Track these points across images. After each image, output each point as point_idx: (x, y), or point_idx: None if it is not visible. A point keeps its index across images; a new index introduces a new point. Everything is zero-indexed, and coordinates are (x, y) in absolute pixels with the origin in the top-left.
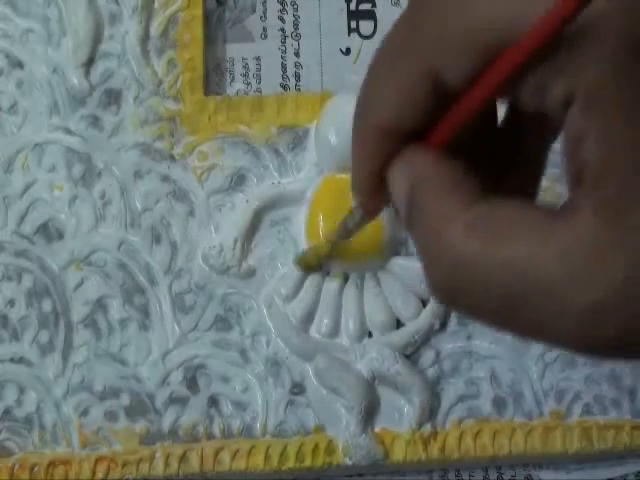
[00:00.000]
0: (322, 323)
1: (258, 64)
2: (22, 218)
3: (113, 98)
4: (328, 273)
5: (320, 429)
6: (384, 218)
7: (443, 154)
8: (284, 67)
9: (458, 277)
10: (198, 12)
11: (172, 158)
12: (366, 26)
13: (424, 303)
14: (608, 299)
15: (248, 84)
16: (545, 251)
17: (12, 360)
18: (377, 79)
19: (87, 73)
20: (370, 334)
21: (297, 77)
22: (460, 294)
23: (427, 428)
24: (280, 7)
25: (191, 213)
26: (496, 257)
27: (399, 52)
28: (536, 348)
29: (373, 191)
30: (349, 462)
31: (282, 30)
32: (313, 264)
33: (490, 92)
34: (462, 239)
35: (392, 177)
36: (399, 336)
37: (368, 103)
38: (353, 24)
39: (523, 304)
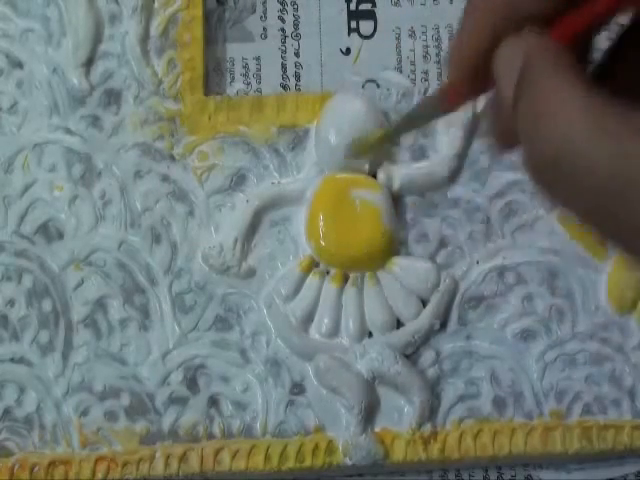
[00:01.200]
0: (322, 323)
1: (258, 64)
2: (22, 218)
3: (113, 98)
4: (328, 272)
5: (320, 429)
6: (384, 218)
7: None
8: (284, 67)
9: (563, 158)
10: (198, 12)
11: (172, 158)
12: (366, 26)
13: (424, 303)
14: None
15: (248, 84)
16: None
17: (12, 360)
18: None
19: (87, 73)
20: (370, 334)
21: (297, 77)
22: (559, 177)
23: (427, 428)
24: (280, 7)
25: (191, 213)
26: (610, 148)
27: None
28: (536, 348)
29: (471, 70)
30: (349, 462)
31: (282, 30)
32: (364, 149)
33: None
34: (579, 120)
35: (502, 51)
36: (399, 336)
37: None
38: (353, 24)
39: (623, 204)
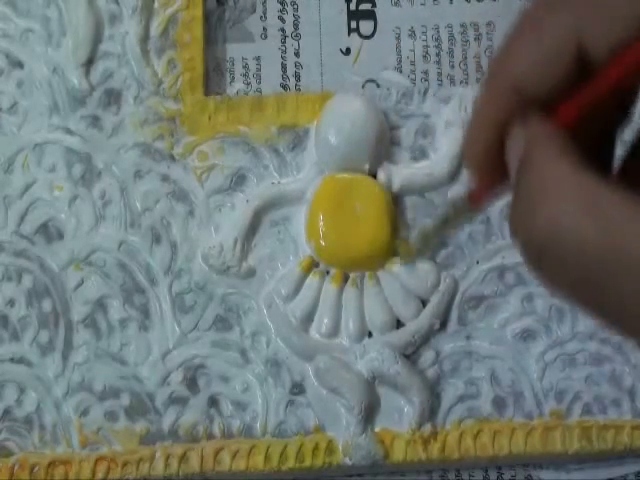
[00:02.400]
0: (322, 323)
1: (258, 64)
2: (22, 218)
3: (113, 98)
4: (328, 272)
5: (320, 429)
6: (384, 218)
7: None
8: (284, 67)
9: (553, 237)
10: (198, 12)
11: (172, 158)
12: (366, 26)
13: (424, 303)
14: None
15: (248, 84)
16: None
17: (12, 360)
18: (521, 35)
19: (87, 73)
20: (370, 334)
21: (297, 77)
22: (548, 256)
23: (427, 428)
24: (280, 7)
25: (191, 213)
26: (598, 225)
27: (548, 7)
28: (536, 348)
29: (487, 164)
30: (349, 462)
31: (282, 30)
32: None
33: (631, 71)
34: (569, 199)
35: (510, 141)
36: (399, 336)
37: (508, 58)
38: (353, 24)
39: (610, 286)
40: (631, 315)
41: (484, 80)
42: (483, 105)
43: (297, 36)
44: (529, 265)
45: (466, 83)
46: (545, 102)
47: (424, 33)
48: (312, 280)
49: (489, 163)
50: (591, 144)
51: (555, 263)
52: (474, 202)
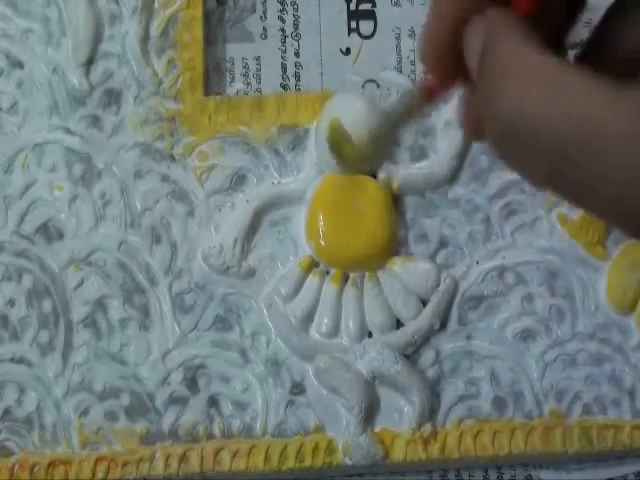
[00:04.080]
0: (322, 323)
1: (258, 64)
2: (22, 218)
3: (113, 98)
4: (328, 272)
5: (320, 429)
6: (384, 218)
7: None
8: (284, 67)
9: (518, 123)
10: (198, 12)
11: (172, 158)
12: (366, 26)
13: (424, 303)
14: None
15: (248, 84)
16: (615, 110)
17: (12, 360)
18: None
19: (87, 73)
20: (370, 334)
21: (297, 77)
22: (515, 142)
23: (427, 428)
24: (280, 7)
25: (191, 213)
26: (563, 107)
27: None
28: (536, 348)
29: (444, 58)
30: (349, 462)
31: (282, 30)
32: (348, 158)
33: None
34: (533, 81)
35: (468, 30)
36: (399, 336)
37: None
38: (353, 24)
39: (578, 160)
40: (608, 189)
41: None
42: (440, 2)
43: (297, 36)
44: (496, 152)
45: None
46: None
47: None
48: (312, 280)
49: (445, 59)
50: (547, 35)
51: (522, 148)
52: (427, 97)
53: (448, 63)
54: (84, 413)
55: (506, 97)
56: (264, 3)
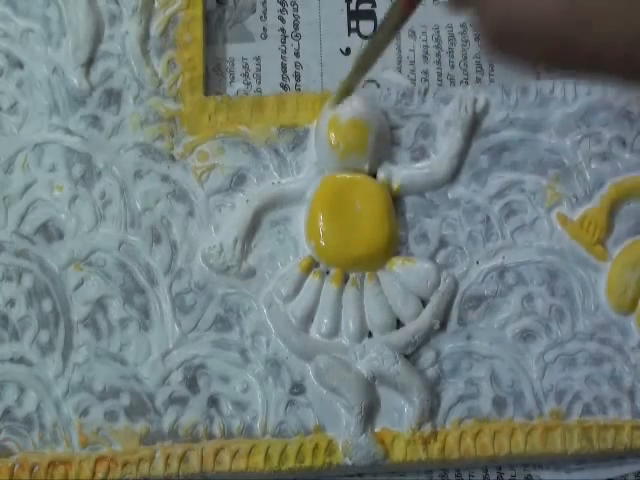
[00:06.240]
0: (322, 323)
1: (258, 64)
2: (22, 218)
3: (113, 98)
4: (328, 272)
5: (320, 429)
6: (384, 218)
7: None
8: (284, 67)
9: (518, 10)
10: (198, 12)
11: (172, 158)
12: (366, 26)
13: (424, 303)
14: None
15: (248, 84)
16: None
17: (12, 360)
18: None
19: (87, 73)
20: (370, 334)
21: (297, 77)
22: (515, 31)
23: (427, 428)
24: (280, 7)
25: (191, 213)
26: None
27: None
28: (536, 348)
29: None
30: (349, 462)
31: (282, 30)
32: (346, 89)
33: None
34: None
35: None
36: (399, 336)
37: None
38: (353, 24)
39: (579, 32)
40: (615, 52)
41: None
42: None
43: (297, 36)
44: (494, 42)
45: (466, 83)
46: None
47: (424, 33)
48: (312, 280)
49: None
50: None
51: (520, 38)
52: (406, 6)
53: None
54: (84, 413)
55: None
56: (264, 3)
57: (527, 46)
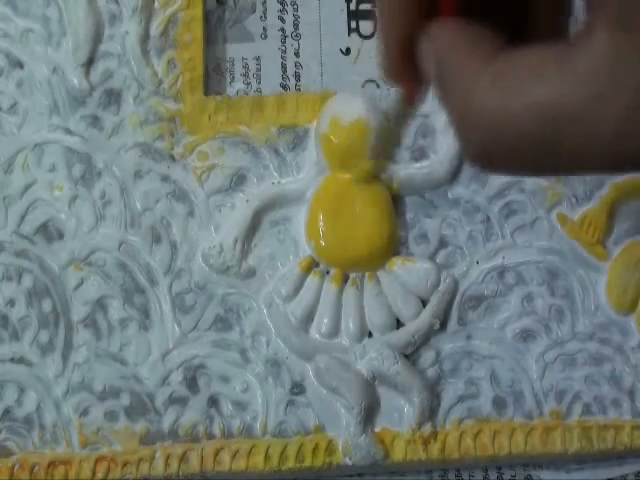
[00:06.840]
0: (322, 323)
1: (258, 64)
2: (22, 218)
3: (113, 98)
4: (328, 272)
5: (320, 429)
6: (384, 218)
7: (464, 20)
8: (284, 67)
9: (492, 134)
10: (198, 12)
11: (172, 158)
12: (366, 26)
13: (424, 303)
14: (633, 109)
15: (248, 84)
16: (567, 83)
17: (12, 360)
18: None
19: (87, 73)
20: (370, 334)
21: (297, 77)
22: (496, 151)
23: (427, 428)
24: (280, 7)
25: (191, 213)
26: (523, 104)
27: None
28: (536, 348)
29: (405, 71)
30: (349, 462)
31: (282, 30)
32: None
33: None
34: (488, 94)
35: (420, 50)
36: (399, 336)
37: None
38: (353, 24)
39: (557, 141)
40: (599, 151)
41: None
42: (385, 23)
43: (297, 36)
44: (482, 164)
45: None
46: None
47: None
48: (312, 280)
49: (406, 71)
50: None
51: (506, 156)
52: (409, 102)
53: (411, 73)
54: (84, 413)
55: (471, 122)
56: (264, 3)
57: (510, 163)
